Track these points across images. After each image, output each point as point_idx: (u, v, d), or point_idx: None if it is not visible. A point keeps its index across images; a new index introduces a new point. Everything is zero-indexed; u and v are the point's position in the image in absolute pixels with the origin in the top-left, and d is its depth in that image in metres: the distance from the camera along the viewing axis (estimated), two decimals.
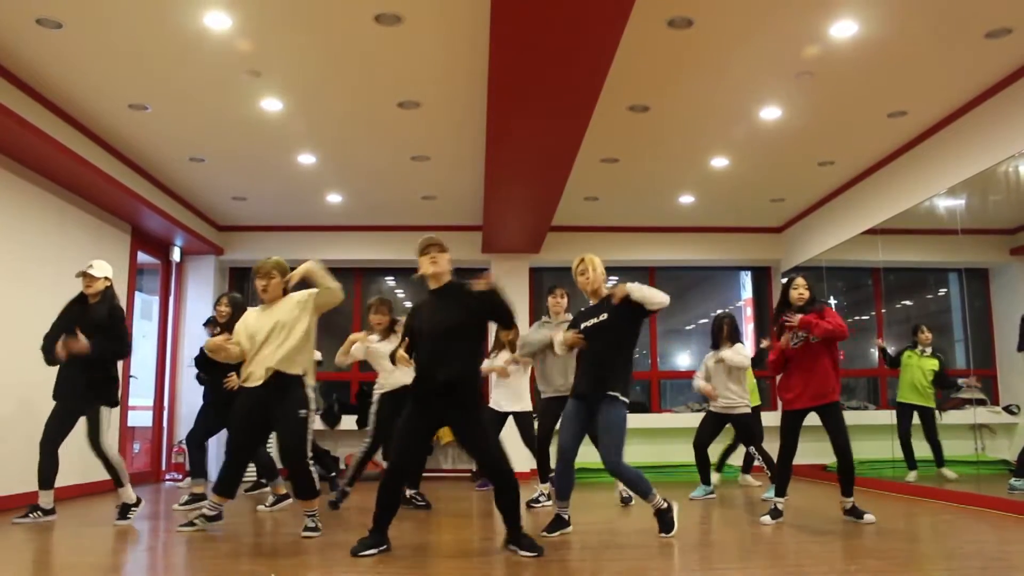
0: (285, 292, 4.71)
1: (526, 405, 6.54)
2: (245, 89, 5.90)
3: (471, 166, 7.49)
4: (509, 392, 6.54)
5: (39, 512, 5.22)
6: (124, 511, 5.17)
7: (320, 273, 4.55)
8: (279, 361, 4.50)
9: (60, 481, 6.71)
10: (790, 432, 5.08)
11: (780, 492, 5.16)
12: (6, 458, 6.21)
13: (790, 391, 5.09)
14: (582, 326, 4.61)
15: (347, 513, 5.82)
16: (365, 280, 10.37)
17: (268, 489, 6.27)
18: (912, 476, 7.26)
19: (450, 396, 3.99)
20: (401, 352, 4.19)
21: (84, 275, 5.20)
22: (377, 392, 6.03)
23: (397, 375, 5.99)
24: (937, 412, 7.58)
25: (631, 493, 5.81)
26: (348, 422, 9.23)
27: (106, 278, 5.23)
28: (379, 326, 6.11)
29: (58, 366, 5.17)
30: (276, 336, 4.56)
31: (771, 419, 8.54)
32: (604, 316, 4.55)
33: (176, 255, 9.37)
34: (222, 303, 6.09)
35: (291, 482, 4.66)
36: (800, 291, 5.13)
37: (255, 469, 6.65)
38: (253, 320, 4.69)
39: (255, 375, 4.56)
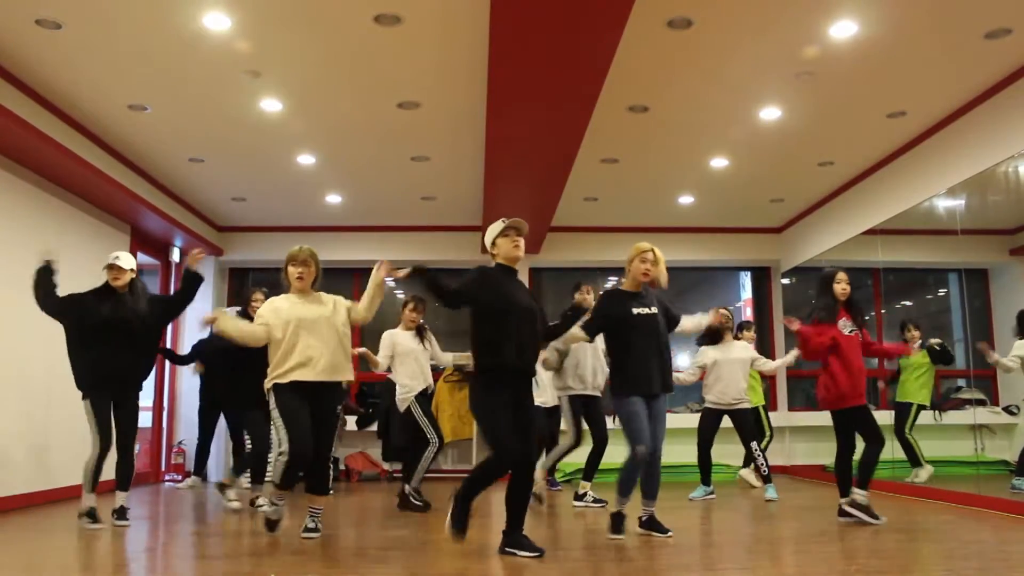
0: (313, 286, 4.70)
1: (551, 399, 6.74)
2: (245, 89, 5.90)
3: (471, 166, 7.48)
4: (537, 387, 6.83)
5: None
6: (123, 513, 5.14)
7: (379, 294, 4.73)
8: (339, 362, 4.51)
9: (58, 481, 6.74)
10: (850, 430, 5.10)
11: (846, 491, 5.08)
12: (5, 458, 6.20)
13: (842, 388, 5.00)
14: (635, 311, 4.54)
15: (347, 514, 5.82)
16: (364, 280, 10.31)
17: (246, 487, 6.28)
18: (911, 477, 7.25)
19: (527, 379, 4.06)
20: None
21: (112, 267, 5.13)
22: (409, 394, 6.02)
23: (421, 377, 6.08)
24: (936, 412, 7.57)
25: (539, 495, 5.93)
26: (348, 422, 9.22)
27: (133, 270, 5.21)
28: (413, 324, 6.15)
29: (96, 351, 5.04)
30: (327, 331, 4.50)
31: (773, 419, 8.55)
32: (654, 309, 4.58)
33: (176, 255, 9.36)
34: (258, 298, 6.06)
35: (309, 477, 4.61)
36: (843, 285, 5.17)
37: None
38: (287, 307, 4.54)
39: (307, 368, 4.41)
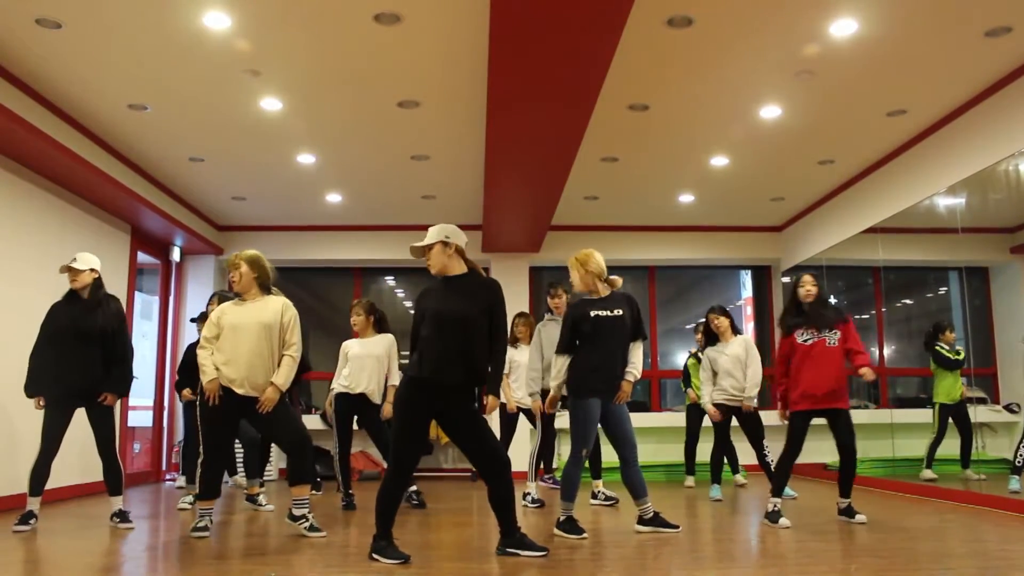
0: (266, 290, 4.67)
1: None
2: (245, 89, 5.90)
3: (471, 166, 7.49)
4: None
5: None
6: (125, 516, 5.12)
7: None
8: (268, 373, 4.50)
9: (60, 481, 6.73)
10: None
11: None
12: (7, 458, 6.20)
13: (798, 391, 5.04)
14: (592, 314, 4.54)
15: (347, 513, 5.82)
16: (365, 280, 10.37)
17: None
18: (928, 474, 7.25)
19: (459, 391, 3.88)
20: None
21: (68, 269, 5.01)
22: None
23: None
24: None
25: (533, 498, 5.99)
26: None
27: (92, 270, 5.05)
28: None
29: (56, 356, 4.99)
30: (262, 339, 4.50)
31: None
32: (620, 312, 4.57)
33: (176, 255, 9.37)
34: (213, 302, 6.00)
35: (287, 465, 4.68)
36: (807, 288, 5.11)
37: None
38: (231, 313, 4.58)
39: (237, 382, 4.46)
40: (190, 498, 6.08)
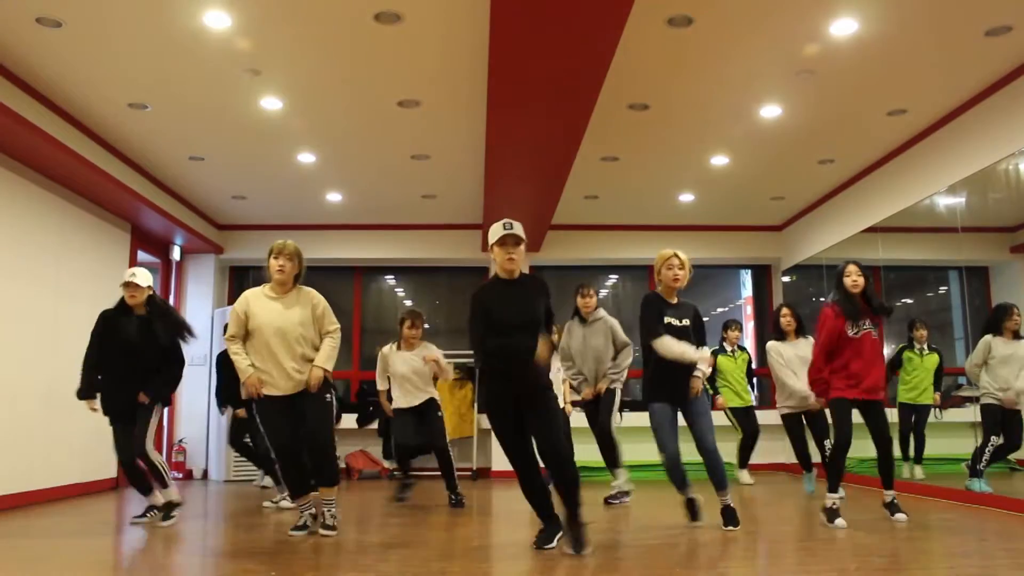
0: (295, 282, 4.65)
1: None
2: (245, 88, 5.90)
3: (471, 165, 7.49)
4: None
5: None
6: (169, 510, 5.10)
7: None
8: (306, 374, 4.46)
9: (60, 480, 6.74)
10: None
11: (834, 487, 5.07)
12: (11, 456, 6.20)
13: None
14: (667, 320, 4.75)
15: (347, 513, 5.82)
16: (365, 279, 10.37)
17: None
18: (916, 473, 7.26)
19: (528, 391, 4.04)
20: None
21: (128, 285, 5.00)
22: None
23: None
24: (937, 411, 7.58)
25: (618, 496, 5.91)
26: (348, 420, 9.23)
27: (149, 286, 5.09)
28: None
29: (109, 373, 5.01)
30: (294, 342, 4.45)
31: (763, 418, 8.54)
32: (686, 322, 4.76)
33: (176, 254, 9.38)
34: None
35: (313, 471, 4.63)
36: (854, 278, 4.97)
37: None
38: (263, 307, 4.48)
39: (271, 385, 4.43)
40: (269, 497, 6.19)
